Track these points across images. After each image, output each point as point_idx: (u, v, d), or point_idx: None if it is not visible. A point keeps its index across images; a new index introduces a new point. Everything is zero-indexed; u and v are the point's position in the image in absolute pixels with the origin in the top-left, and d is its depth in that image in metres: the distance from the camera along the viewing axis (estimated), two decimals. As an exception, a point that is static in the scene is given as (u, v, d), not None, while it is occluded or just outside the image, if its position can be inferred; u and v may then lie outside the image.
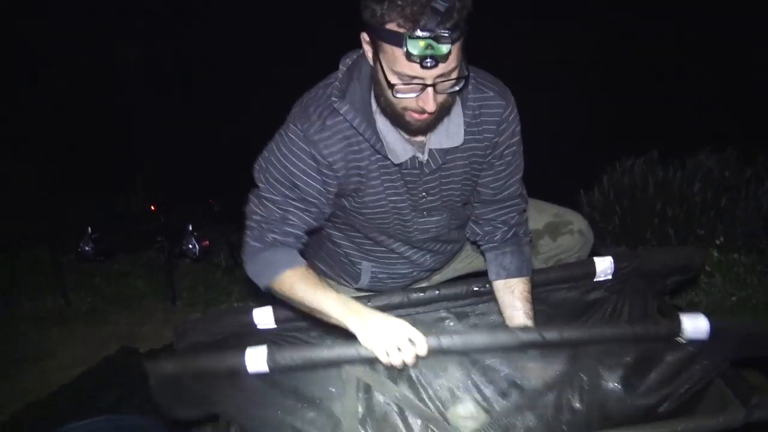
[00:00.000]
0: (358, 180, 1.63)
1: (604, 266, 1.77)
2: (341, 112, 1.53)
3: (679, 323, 1.42)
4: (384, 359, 1.36)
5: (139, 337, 3.14)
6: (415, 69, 1.32)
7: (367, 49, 1.46)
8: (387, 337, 1.36)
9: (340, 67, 1.60)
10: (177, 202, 5.72)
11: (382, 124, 1.55)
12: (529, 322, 1.68)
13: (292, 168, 1.58)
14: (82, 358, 2.91)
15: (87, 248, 3.66)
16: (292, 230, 1.61)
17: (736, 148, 4.47)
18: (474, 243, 1.93)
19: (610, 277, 1.78)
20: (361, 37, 1.45)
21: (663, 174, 4.34)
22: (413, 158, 1.61)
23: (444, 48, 1.28)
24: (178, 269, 3.98)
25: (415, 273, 2.02)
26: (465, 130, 1.61)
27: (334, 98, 1.54)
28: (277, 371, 1.41)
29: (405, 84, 1.36)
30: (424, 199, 1.72)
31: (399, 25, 1.28)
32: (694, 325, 1.42)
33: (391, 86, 1.38)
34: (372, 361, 1.40)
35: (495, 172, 1.74)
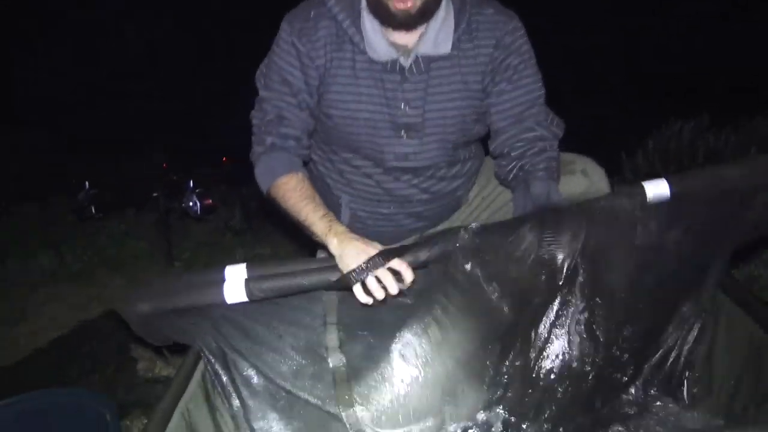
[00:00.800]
0: (334, 73, 1.58)
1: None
2: (328, 5, 1.54)
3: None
4: (358, 291, 1.32)
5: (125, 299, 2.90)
6: None
7: None
8: (358, 261, 1.30)
9: None
10: (189, 161, 5.60)
11: (369, 22, 1.52)
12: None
13: (279, 62, 1.59)
14: (60, 321, 2.75)
15: (85, 203, 3.48)
16: (290, 131, 1.59)
17: (795, 111, 4.15)
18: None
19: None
20: None
21: (714, 139, 4.04)
22: (395, 61, 1.54)
23: None
24: (185, 230, 3.78)
25: (400, 217, 1.78)
26: (455, 42, 1.55)
27: None
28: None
29: None
30: (401, 112, 1.58)
31: None
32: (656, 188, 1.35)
33: None
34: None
35: (498, 92, 1.59)
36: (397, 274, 1.29)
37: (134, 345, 2.38)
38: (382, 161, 1.65)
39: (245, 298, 1.35)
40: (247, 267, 1.38)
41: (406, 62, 1.53)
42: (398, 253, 1.31)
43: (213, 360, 1.40)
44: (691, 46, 7.65)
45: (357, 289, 1.31)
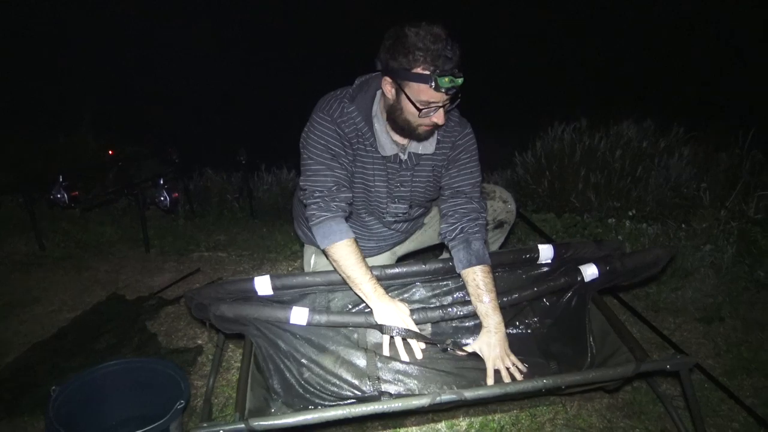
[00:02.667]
0: (359, 157, 2.16)
1: (546, 252, 2.22)
2: (349, 110, 2.09)
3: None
4: (384, 342, 2.06)
5: (121, 282, 3.41)
6: (440, 95, 1.89)
7: (389, 89, 2.00)
8: (393, 321, 2.01)
9: (355, 82, 2.16)
10: (126, 145, 5.88)
11: (378, 126, 2.12)
12: (485, 305, 2.06)
13: (326, 142, 2.09)
14: (70, 302, 3.18)
15: (59, 195, 3.87)
16: (347, 196, 2.12)
17: (655, 120, 4.98)
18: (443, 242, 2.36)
19: (550, 261, 2.24)
20: (383, 80, 1.99)
21: (589, 142, 4.79)
22: (396, 155, 2.18)
23: (460, 80, 1.87)
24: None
25: (379, 247, 2.55)
26: (436, 144, 2.19)
27: (346, 100, 2.10)
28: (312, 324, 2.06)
29: (427, 108, 1.94)
30: (397, 189, 2.26)
31: (425, 69, 1.85)
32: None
33: (419, 110, 1.93)
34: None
35: (449, 175, 2.24)
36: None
37: (149, 323, 2.93)
38: (381, 216, 2.34)
39: (305, 324, 2.04)
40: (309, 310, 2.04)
41: (403, 156, 2.18)
42: (416, 335, 2.02)
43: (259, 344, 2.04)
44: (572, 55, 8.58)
45: (385, 339, 2.05)
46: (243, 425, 1.61)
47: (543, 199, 4.75)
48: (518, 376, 1.97)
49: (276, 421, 1.63)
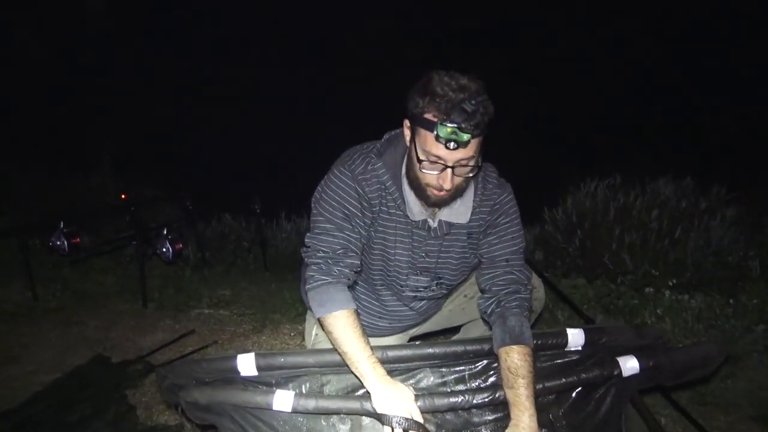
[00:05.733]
0: (382, 220, 1.94)
1: (575, 338, 1.90)
2: (375, 167, 1.87)
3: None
4: (386, 424, 1.66)
5: (109, 341, 3.16)
6: (440, 149, 1.65)
7: (407, 132, 1.81)
8: (394, 409, 1.65)
9: (384, 137, 1.96)
10: (144, 188, 5.72)
11: (407, 186, 1.88)
12: (515, 394, 1.74)
13: (342, 200, 1.88)
14: (49, 362, 2.94)
15: (59, 243, 3.67)
16: (354, 261, 1.89)
17: (694, 178, 4.65)
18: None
19: (580, 348, 1.91)
20: (404, 122, 1.81)
21: (624, 199, 4.48)
22: (425, 221, 1.93)
23: (465, 136, 1.62)
24: (148, 268, 4.03)
25: (392, 327, 2.23)
26: (471, 212, 1.93)
27: (372, 155, 1.89)
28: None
29: (431, 162, 1.70)
30: (422, 259, 1.99)
31: (434, 116, 1.64)
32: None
33: (420, 161, 1.71)
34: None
35: (488, 243, 1.97)
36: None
37: (130, 392, 2.65)
38: (400, 291, 2.06)
39: (289, 410, 1.73)
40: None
41: (433, 223, 1.92)
42: (421, 427, 1.65)
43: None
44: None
45: (385, 430, 1.67)
46: None
47: (573, 259, 4.44)
48: None
49: None
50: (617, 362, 1.82)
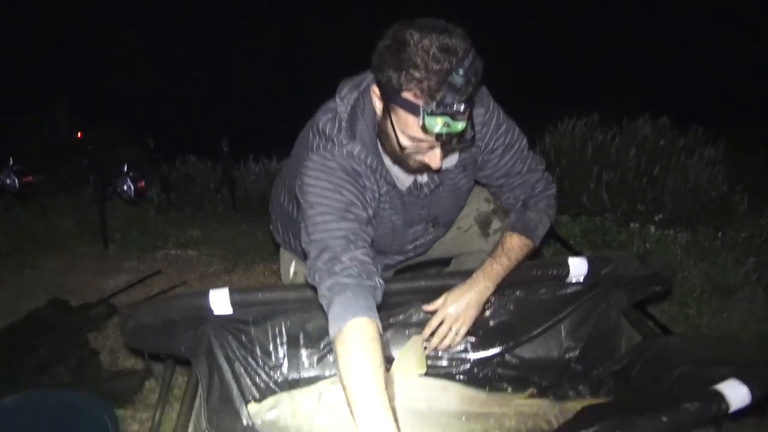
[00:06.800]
0: (375, 205, 1.65)
1: (578, 268, 1.77)
2: (354, 153, 1.55)
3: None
4: None
5: (68, 285, 2.96)
6: (429, 137, 1.35)
7: (378, 104, 1.48)
8: None
9: (338, 102, 1.59)
10: (104, 127, 5.40)
11: (387, 159, 1.60)
12: (489, 262, 1.72)
13: (333, 184, 1.53)
14: (2, 308, 2.73)
15: (8, 181, 3.42)
16: (359, 256, 1.44)
17: (671, 117, 4.55)
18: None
19: (581, 279, 1.79)
20: (372, 90, 1.48)
21: (601, 138, 4.39)
22: (414, 181, 1.69)
23: (460, 125, 1.31)
24: (107, 208, 3.79)
25: (393, 263, 2.06)
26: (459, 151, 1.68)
27: (344, 140, 1.55)
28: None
29: (415, 144, 1.41)
30: (416, 213, 1.79)
31: (416, 96, 1.31)
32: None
33: (402, 148, 1.44)
34: None
35: (492, 166, 1.79)
36: None
37: (92, 335, 2.48)
38: (399, 250, 1.91)
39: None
40: None
41: (422, 178, 1.68)
42: None
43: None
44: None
45: None
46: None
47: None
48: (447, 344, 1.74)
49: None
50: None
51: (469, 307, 1.70)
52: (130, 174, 3.43)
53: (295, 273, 2.10)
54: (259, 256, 3.31)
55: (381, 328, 1.33)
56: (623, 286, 1.77)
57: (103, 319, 2.59)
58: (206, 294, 1.70)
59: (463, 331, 1.72)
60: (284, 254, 2.17)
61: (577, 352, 1.79)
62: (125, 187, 3.39)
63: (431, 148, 1.42)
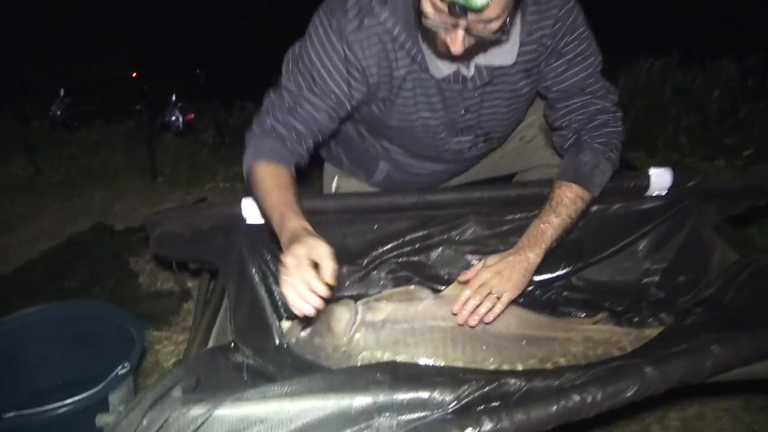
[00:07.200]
0: (388, 89, 1.47)
1: (661, 180, 1.52)
2: (379, 20, 1.38)
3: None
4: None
5: (113, 213, 2.89)
6: (441, 7, 1.17)
7: None
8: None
9: None
10: (161, 71, 5.34)
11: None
12: (540, 226, 1.43)
13: (317, 62, 1.43)
14: (48, 232, 2.69)
15: (59, 112, 3.37)
16: (296, 124, 1.44)
17: (761, 56, 4.15)
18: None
19: (665, 192, 1.54)
20: None
21: (682, 79, 4.10)
22: (456, 72, 1.44)
23: (478, 1, 1.11)
24: (160, 144, 3.71)
25: (434, 178, 1.83)
26: (519, 49, 1.44)
27: (373, 3, 1.38)
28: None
29: (436, 15, 1.20)
30: (461, 117, 1.55)
31: None
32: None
33: (424, 16, 1.22)
34: None
35: (554, 73, 1.51)
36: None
37: (133, 259, 2.40)
38: (439, 157, 1.68)
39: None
40: None
41: (467, 72, 1.45)
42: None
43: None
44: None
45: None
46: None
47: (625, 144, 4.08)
48: (475, 321, 1.33)
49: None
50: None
51: (514, 271, 1.38)
52: (179, 105, 3.32)
53: (338, 188, 1.93)
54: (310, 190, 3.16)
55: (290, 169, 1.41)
56: (715, 198, 1.51)
57: (145, 245, 2.49)
58: (238, 202, 1.56)
59: (507, 296, 1.36)
60: (327, 167, 2.00)
61: (658, 276, 1.56)
62: (173, 118, 3.28)
63: (454, 27, 1.21)
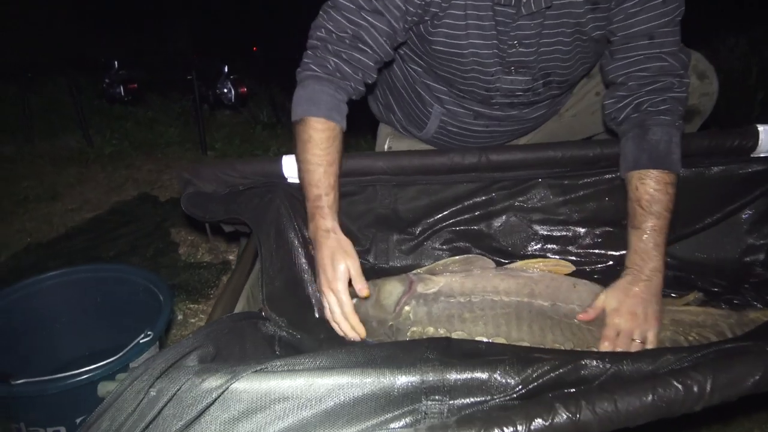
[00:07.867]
0: (444, 9, 1.29)
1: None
2: None
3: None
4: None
5: (159, 184, 2.81)
6: None
7: None
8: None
9: None
10: (217, 47, 5.30)
11: None
12: (641, 236, 1.20)
13: None
14: (93, 201, 2.62)
15: (114, 84, 3.31)
16: (361, 57, 1.30)
17: None
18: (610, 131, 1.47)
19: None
20: None
21: None
22: None
23: None
24: (214, 120, 3.63)
25: (491, 134, 1.61)
26: None
27: None
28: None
29: None
30: (514, 50, 1.34)
31: None
32: None
33: None
34: None
35: (623, 11, 1.26)
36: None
37: (174, 229, 2.30)
38: (489, 98, 1.47)
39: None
40: None
41: None
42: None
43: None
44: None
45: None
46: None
47: (703, 128, 3.80)
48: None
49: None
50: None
51: (645, 308, 1.15)
52: (232, 77, 3.20)
53: (390, 149, 1.75)
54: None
55: (344, 126, 1.30)
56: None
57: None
58: (278, 159, 1.40)
59: (653, 334, 1.13)
60: (381, 128, 1.83)
61: (764, 254, 1.32)
62: (225, 90, 3.16)
63: None
